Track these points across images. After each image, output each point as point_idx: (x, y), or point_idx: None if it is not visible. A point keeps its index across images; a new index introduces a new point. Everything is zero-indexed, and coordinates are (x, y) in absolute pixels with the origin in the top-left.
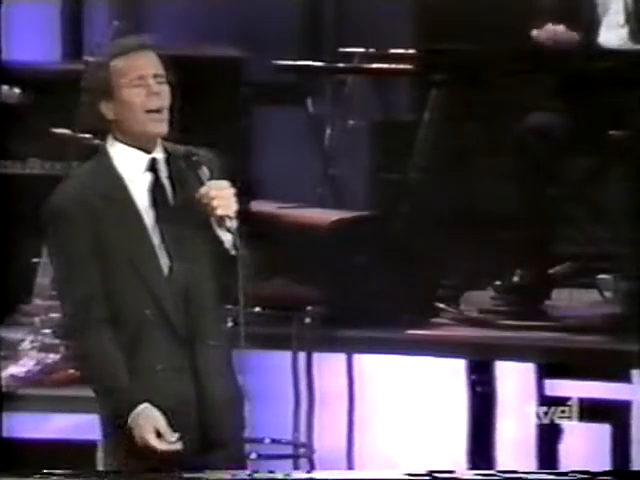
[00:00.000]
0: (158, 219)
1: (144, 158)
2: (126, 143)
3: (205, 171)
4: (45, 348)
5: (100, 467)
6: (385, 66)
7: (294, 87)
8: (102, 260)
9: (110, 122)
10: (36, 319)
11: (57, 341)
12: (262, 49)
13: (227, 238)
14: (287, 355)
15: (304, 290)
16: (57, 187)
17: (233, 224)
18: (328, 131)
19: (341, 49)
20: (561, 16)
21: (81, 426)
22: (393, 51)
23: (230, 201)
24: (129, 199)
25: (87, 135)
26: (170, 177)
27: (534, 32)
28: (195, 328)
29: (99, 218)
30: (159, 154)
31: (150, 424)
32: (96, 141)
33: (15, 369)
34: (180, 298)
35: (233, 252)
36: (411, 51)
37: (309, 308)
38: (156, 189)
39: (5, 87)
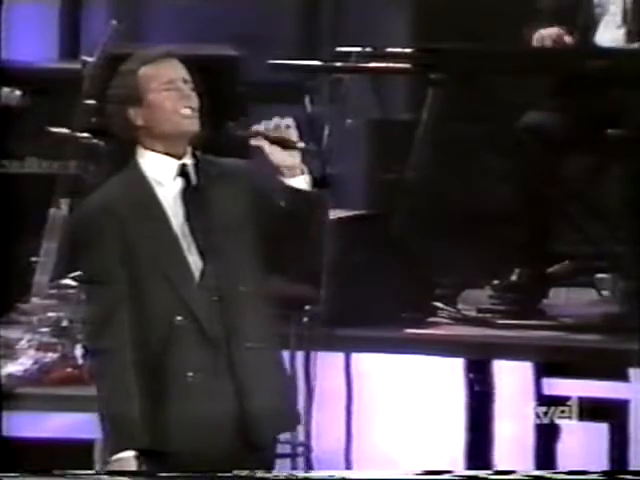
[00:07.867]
0: (188, 224)
1: (174, 164)
2: (156, 150)
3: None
4: (43, 347)
5: (98, 466)
6: (383, 65)
7: (291, 86)
8: (132, 268)
9: (138, 129)
10: (34, 318)
11: (55, 340)
12: (259, 48)
13: (305, 180)
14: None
15: (301, 289)
16: (86, 198)
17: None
18: (326, 130)
19: (338, 48)
20: (559, 16)
21: (79, 425)
22: (391, 50)
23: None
24: (157, 205)
25: (85, 134)
26: (198, 183)
27: (531, 32)
28: (231, 331)
29: (127, 226)
30: (189, 160)
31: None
32: (94, 141)
33: (13, 368)
34: (213, 302)
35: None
36: (409, 50)
37: (307, 307)
38: (187, 194)
39: (3, 87)
